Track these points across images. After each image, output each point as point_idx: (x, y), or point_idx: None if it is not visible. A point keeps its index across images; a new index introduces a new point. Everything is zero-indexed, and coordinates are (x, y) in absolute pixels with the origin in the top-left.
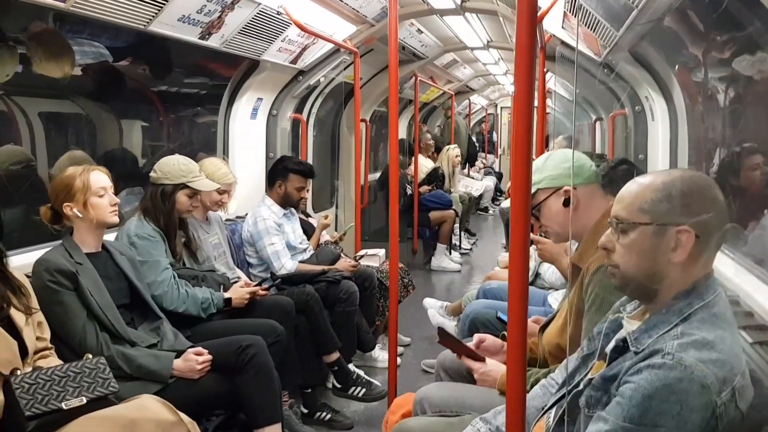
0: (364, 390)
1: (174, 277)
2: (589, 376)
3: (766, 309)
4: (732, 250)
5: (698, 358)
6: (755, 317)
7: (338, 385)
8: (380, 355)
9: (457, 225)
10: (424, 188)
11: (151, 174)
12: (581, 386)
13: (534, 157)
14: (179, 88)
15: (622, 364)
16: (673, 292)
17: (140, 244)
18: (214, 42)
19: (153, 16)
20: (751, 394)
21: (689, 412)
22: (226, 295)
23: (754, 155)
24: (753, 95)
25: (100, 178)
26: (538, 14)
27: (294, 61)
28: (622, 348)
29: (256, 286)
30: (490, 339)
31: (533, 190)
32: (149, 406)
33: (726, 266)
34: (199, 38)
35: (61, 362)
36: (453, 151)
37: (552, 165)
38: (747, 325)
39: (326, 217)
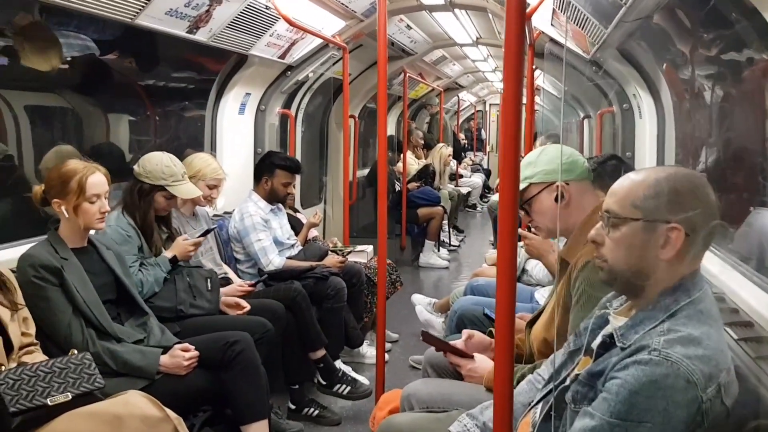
0: (349, 388)
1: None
2: (576, 371)
3: (750, 305)
4: (718, 247)
5: (684, 354)
6: (740, 314)
7: (323, 382)
8: (368, 351)
9: (445, 222)
10: (413, 185)
11: (135, 167)
12: (567, 382)
13: (522, 154)
14: (167, 82)
15: (608, 359)
16: (660, 288)
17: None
18: (201, 36)
19: (140, 9)
20: (737, 389)
21: (675, 407)
22: (168, 254)
23: (740, 153)
24: (739, 93)
25: (97, 182)
26: (527, 11)
27: (282, 56)
28: (608, 344)
29: (250, 286)
30: (478, 335)
31: (525, 184)
32: (135, 402)
33: (712, 263)
34: (187, 32)
35: (47, 358)
36: (445, 150)
37: (546, 160)
38: (732, 322)
39: (315, 215)
